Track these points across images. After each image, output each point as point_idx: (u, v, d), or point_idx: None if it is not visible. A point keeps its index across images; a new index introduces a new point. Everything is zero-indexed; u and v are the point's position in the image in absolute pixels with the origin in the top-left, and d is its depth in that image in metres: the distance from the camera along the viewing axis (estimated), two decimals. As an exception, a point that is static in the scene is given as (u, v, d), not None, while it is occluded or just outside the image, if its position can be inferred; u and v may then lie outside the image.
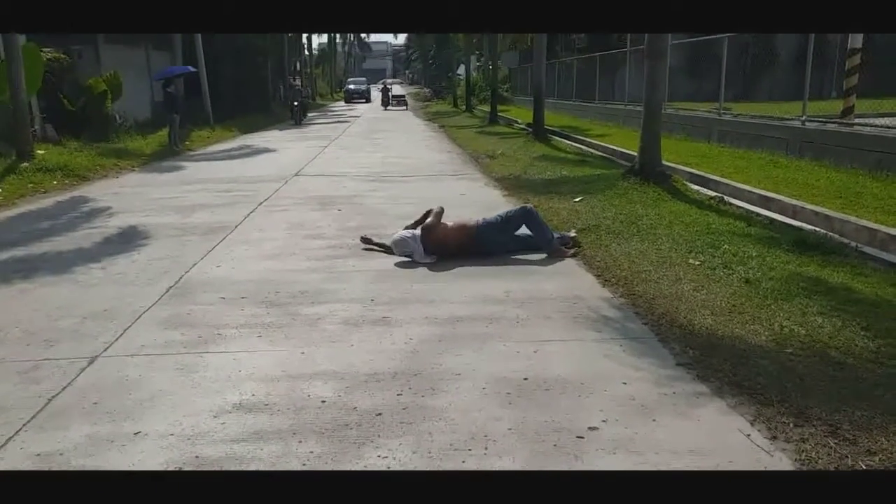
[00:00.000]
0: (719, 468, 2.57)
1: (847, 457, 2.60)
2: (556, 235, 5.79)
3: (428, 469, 2.46)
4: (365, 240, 6.05)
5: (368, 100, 48.46)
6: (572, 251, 5.65)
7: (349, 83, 54.16)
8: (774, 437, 2.77)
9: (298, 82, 27.19)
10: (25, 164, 10.87)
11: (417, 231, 5.71)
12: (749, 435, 2.80)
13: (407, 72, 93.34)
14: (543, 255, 5.62)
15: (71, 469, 2.54)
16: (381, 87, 45.03)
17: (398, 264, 5.50)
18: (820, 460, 2.59)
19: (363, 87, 50.66)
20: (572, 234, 5.98)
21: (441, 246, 5.57)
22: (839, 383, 3.19)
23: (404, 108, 37.54)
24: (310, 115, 32.20)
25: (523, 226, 5.76)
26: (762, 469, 2.44)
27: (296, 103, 24.46)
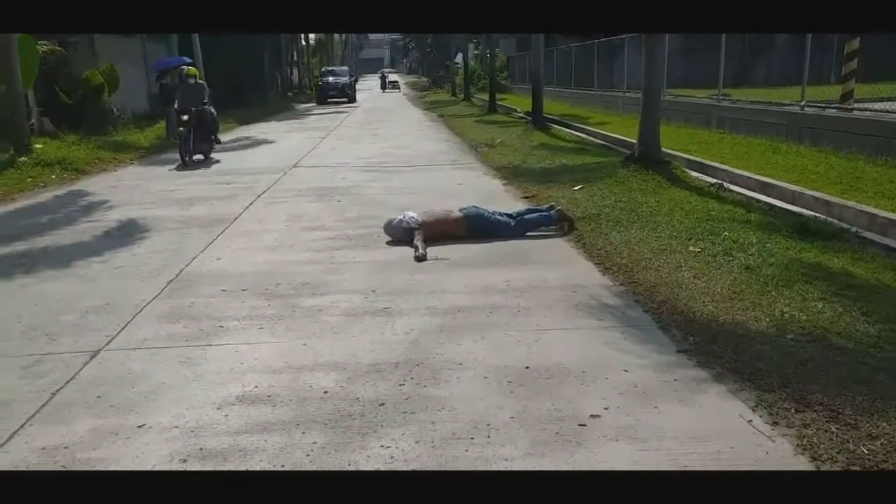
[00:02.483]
0: (721, 454, 2.58)
1: (849, 441, 2.62)
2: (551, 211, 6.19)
3: (428, 469, 2.47)
4: (420, 258, 5.33)
5: (352, 98, 33.46)
6: (566, 229, 6.01)
7: (324, 74, 36.47)
8: (776, 423, 2.78)
9: (193, 75, 12.46)
10: (23, 158, 10.83)
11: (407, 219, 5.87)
12: (750, 421, 2.81)
13: (405, 61, 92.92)
14: (543, 243, 5.67)
15: (73, 469, 2.55)
16: (379, 75, 54.01)
17: (398, 255, 5.50)
18: (821, 445, 2.60)
19: (344, 78, 34.36)
20: (557, 208, 6.29)
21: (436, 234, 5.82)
22: (840, 368, 3.19)
23: (398, 91, 48.12)
24: (305, 106, 31.63)
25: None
26: (765, 468, 2.45)
27: (184, 118, 11.44)
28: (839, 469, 2.42)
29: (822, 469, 2.46)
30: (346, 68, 39.42)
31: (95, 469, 2.58)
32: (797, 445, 2.62)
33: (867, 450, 2.57)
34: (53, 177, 10.28)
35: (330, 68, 38.81)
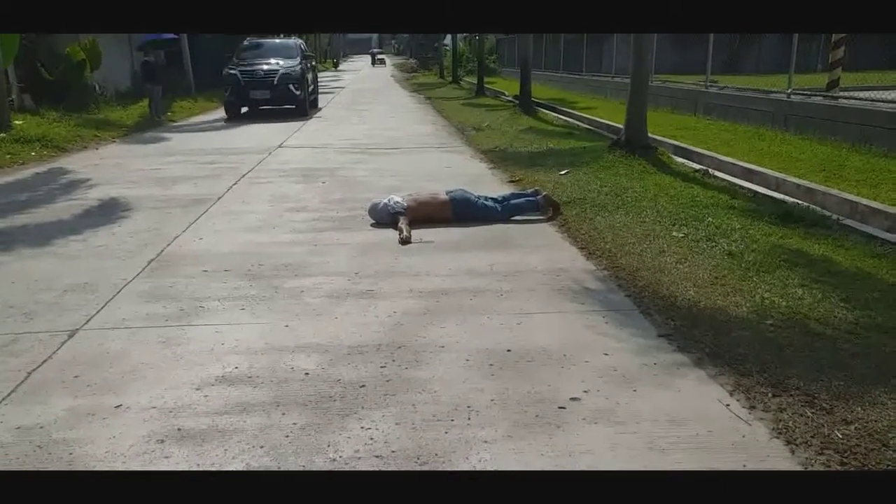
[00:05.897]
0: (698, 437, 2.60)
1: (823, 426, 2.65)
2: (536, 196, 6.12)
3: (422, 469, 2.46)
4: (405, 241, 5.29)
5: (303, 106, 16.18)
6: (551, 214, 5.97)
7: (242, 51, 17.06)
8: (753, 407, 2.80)
9: None
10: (2, 134, 10.67)
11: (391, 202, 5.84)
12: (728, 405, 2.83)
13: (393, 42, 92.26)
14: (528, 227, 5.66)
15: (69, 469, 2.51)
16: (369, 53, 64.37)
17: (382, 238, 5.47)
18: (797, 429, 2.63)
19: (290, 65, 16.02)
20: (544, 193, 6.24)
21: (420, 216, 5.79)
22: (818, 354, 3.23)
23: (384, 66, 57.72)
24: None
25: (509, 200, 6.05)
26: (760, 468, 2.47)
27: None
28: (832, 469, 2.44)
29: (804, 463, 2.48)
30: (292, 43, 18.44)
31: (76, 469, 2.54)
32: (773, 429, 2.64)
33: (841, 434, 2.60)
34: (33, 154, 10.12)
35: (254, 41, 17.89)
